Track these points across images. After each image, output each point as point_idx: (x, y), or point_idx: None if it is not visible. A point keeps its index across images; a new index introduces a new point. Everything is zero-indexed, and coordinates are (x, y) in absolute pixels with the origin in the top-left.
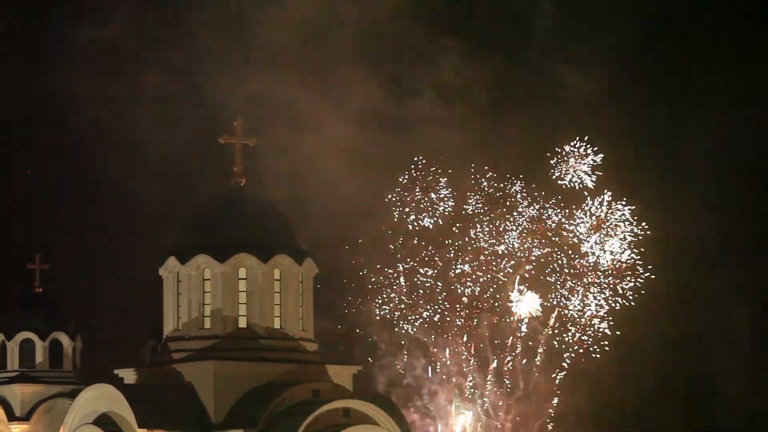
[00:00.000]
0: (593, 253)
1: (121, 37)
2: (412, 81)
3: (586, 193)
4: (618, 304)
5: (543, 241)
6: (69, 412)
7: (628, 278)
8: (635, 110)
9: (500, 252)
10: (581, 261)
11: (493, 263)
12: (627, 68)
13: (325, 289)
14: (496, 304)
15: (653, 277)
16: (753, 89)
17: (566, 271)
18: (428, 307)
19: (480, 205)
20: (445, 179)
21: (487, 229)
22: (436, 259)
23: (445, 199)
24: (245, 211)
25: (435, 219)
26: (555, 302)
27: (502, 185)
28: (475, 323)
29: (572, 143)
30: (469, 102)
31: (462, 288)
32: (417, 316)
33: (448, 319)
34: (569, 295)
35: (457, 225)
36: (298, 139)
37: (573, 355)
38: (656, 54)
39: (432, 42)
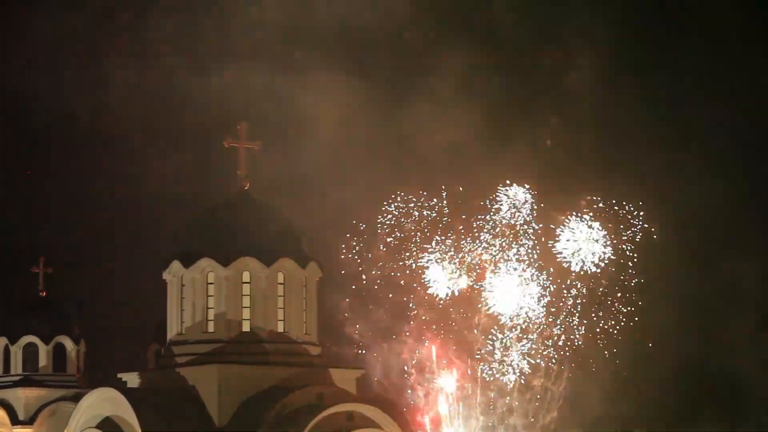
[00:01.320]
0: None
1: (124, 39)
2: (419, 85)
3: None
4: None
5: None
6: (73, 416)
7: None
8: (637, 85)
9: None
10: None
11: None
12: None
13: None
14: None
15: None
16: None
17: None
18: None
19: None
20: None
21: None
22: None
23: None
24: (249, 215)
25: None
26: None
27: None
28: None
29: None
30: (473, 105)
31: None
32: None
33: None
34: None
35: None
36: (302, 143)
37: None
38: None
39: (440, 45)
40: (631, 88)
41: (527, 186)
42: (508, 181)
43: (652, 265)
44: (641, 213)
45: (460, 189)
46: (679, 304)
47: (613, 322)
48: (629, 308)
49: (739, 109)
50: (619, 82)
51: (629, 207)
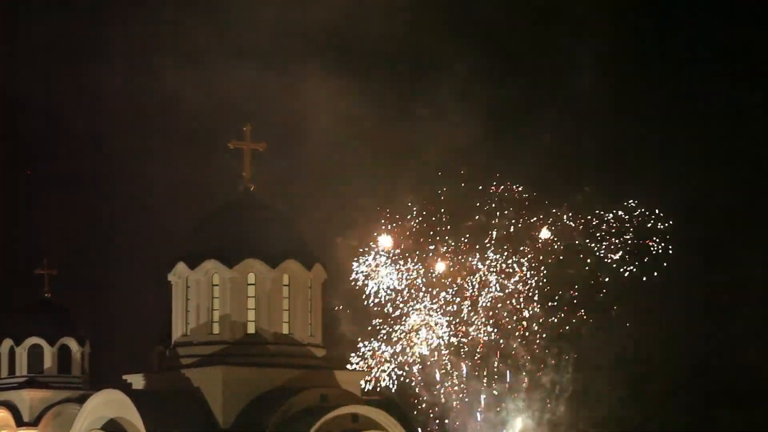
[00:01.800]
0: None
1: (131, 40)
2: (425, 88)
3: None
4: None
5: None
6: (77, 418)
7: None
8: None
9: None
10: None
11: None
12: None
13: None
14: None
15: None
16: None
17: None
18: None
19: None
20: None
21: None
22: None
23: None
24: (254, 216)
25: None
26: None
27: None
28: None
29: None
30: (474, 107)
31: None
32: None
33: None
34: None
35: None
36: (307, 144)
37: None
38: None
39: (447, 50)
40: (632, 85)
41: (526, 183)
42: (497, 176)
43: (660, 260)
44: (648, 208)
45: (461, 190)
46: (689, 298)
47: (613, 314)
48: (636, 304)
49: (744, 104)
50: (620, 78)
51: (635, 202)
